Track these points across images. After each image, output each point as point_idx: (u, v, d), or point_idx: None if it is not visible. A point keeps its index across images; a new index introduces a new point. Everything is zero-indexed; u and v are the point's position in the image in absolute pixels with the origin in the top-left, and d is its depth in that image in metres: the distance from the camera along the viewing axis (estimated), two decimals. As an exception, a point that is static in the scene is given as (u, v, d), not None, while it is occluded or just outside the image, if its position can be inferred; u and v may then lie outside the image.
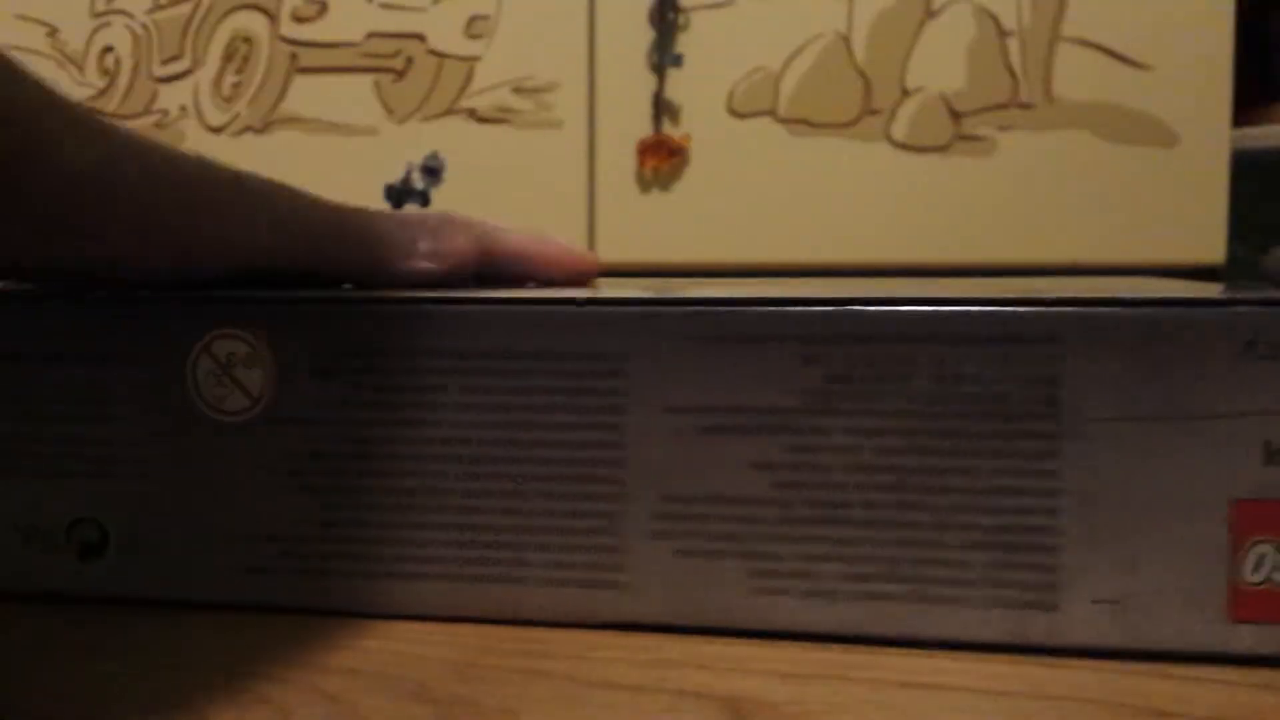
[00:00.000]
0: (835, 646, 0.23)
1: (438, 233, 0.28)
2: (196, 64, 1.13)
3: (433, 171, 1.10)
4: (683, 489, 0.24)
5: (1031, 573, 0.23)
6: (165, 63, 1.13)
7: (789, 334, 0.23)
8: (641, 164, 1.08)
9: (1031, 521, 0.22)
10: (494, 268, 0.30)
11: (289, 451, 0.25)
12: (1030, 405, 0.22)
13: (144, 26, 1.13)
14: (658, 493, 0.24)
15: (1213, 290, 0.27)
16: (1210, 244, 1.03)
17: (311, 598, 0.26)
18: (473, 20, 1.09)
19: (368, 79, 1.10)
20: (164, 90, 1.13)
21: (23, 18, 1.15)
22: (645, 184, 1.09)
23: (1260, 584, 0.22)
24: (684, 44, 1.08)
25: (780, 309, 0.23)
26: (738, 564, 0.24)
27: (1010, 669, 0.22)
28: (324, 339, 0.25)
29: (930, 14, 1.05)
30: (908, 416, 0.23)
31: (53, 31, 1.15)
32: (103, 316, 0.26)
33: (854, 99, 1.07)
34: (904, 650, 0.23)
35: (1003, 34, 1.04)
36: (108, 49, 1.14)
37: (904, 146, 1.07)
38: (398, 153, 1.10)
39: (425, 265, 0.28)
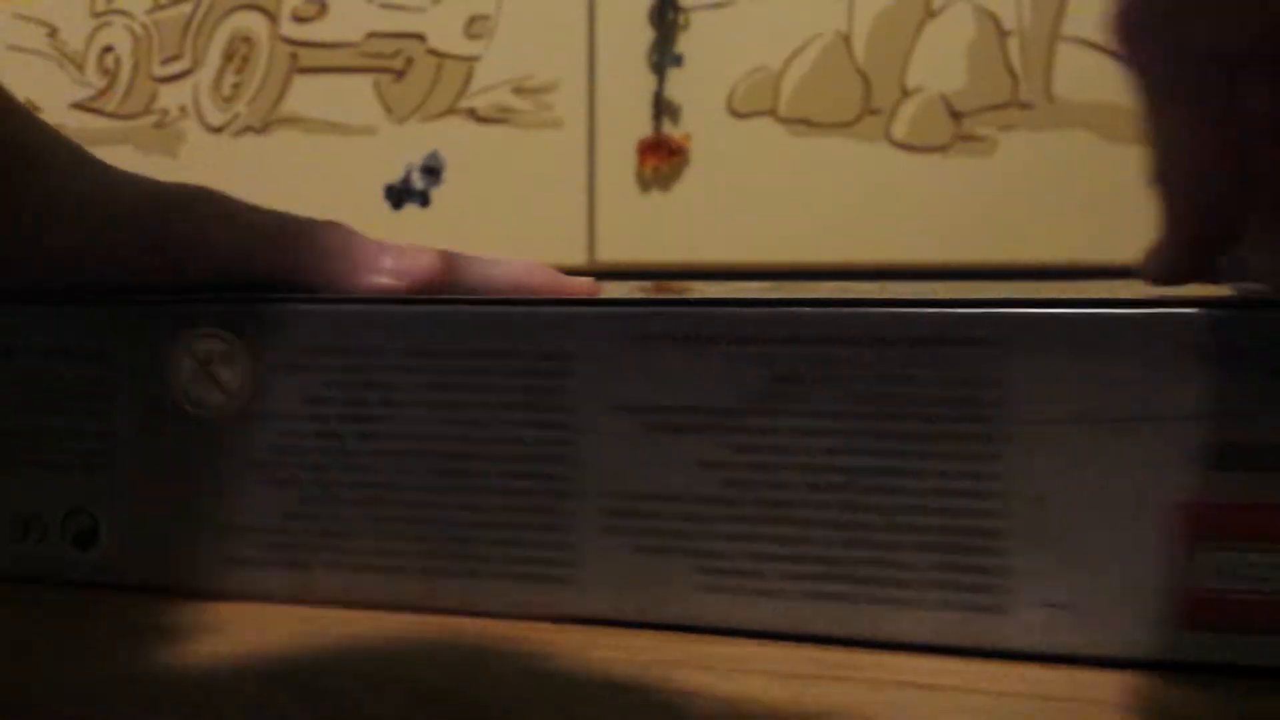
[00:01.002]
0: (836, 647, 0.23)
1: (404, 252, 0.29)
2: (196, 64, 1.13)
3: (433, 171, 1.10)
4: (633, 487, 0.24)
5: (978, 575, 0.22)
6: (165, 62, 1.13)
7: (736, 335, 0.23)
8: (641, 164, 1.08)
9: (977, 523, 0.22)
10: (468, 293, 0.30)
11: (262, 446, 0.26)
12: (973, 407, 0.22)
13: (144, 26, 1.13)
14: (609, 490, 0.24)
15: (1160, 292, 0.27)
16: (1211, 244, 1.03)
17: (285, 589, 0.27)
18: (472, 20, 1.09)
19: (368, 79, 1.10)
20: (164, 90, 1.13)
21: (23, 17, 1.15)
22: (645, 184, 1.09)
23: (1213, 590, 0.21)
24: (684, 44, 1.08)
25: (727, 310, 0.23)
26: (687, 562, 0.24)
27: (1008, 669, 0.22)
28: (296, 339, 0.26)
29: (930, 14, 1.06)
30: (853, 417, 0.23)
31: (53, 31, 1.15)
32: (95, 316, 0.28)
33: (854, 99, 1.07)
34: (904, 651, 0.23)
35: (1003, 34, 1.05)
36: (108, 49, 1.14)
37: (904, 146, 1.07)
38: (398, 153, 1.10)
39: (386, 281, 0.28)
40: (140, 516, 0.28)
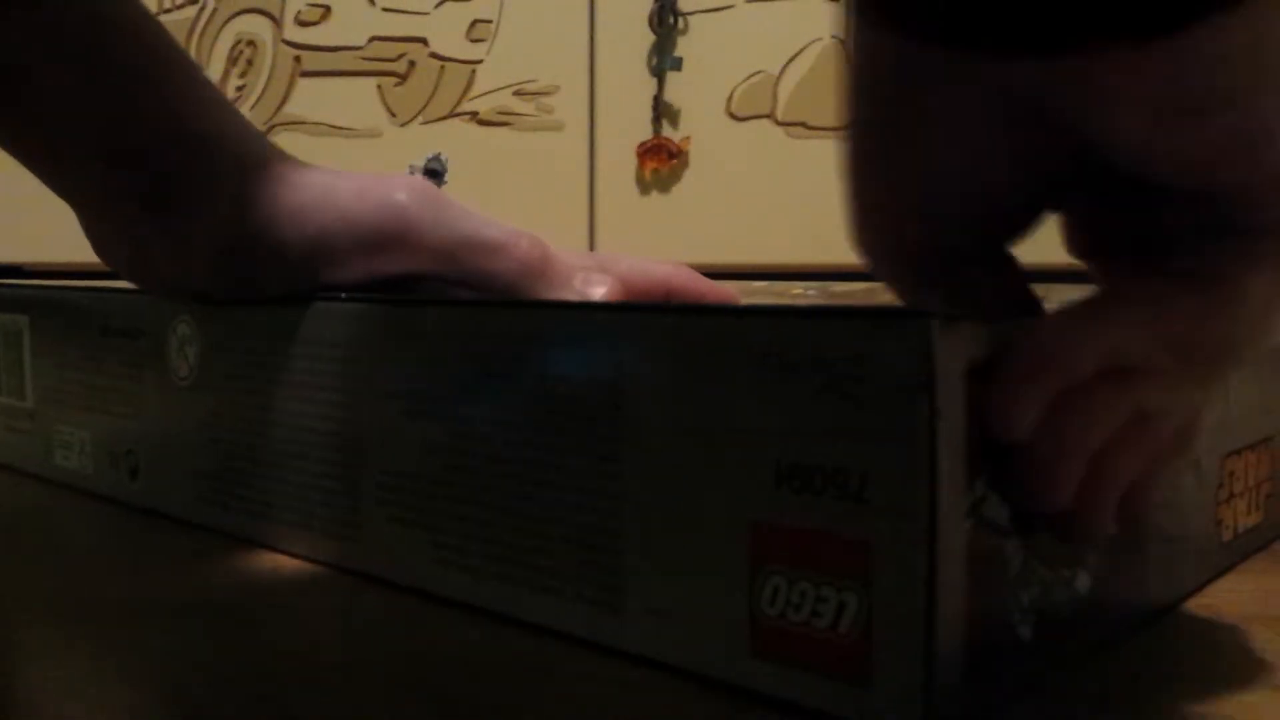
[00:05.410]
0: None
1: (589, 278, 0.33)
2: (202, 67, 1.13)
3: (435, 174, 1.11)
4: (392, 464, 0.27)
5: (603, 574, 0.23)
6: (170, 66, 1.14)
7: (450, 332, 0.26)
8: (641, 166, 1.09)
9: (603, 523, 0.23)
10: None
11: (208, 410, 0.33)
12: (602, 409, 0.22)
13: (149, 30, 1.14)
14: (380, 467, 0.27)
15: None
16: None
17: (221, 524, 0.33)
18: (474, 24, 1.10)
19: (371, 82, 1.11)
20: (169, 93, 1.14)
21: (29, 21, 1.15)
22: (645, 186, 1.10)
23: (777, 617, 0.20)
24: (683, 48, 1.08)
25: (444, 308, 0.26)
26: (423, 534, 0.27)
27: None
28: (227, 325, 0.32)
29: (927, 18, 1.06)
30: (523, 411, 0.24)
31: (59, 35, 1.15)
32: (133, 303, 0.35)
33: (851, 102, 1.07)
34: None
35: (999, 38, 1.05)
36: (113, 52, 1.15)
37: (901, 149, 1.07)
38: (400, 155, 1.11)
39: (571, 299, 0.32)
40: (156, 458, 0.35)
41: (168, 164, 0.31)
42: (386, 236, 0.30)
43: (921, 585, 0.18)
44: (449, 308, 0.26)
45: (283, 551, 0.31)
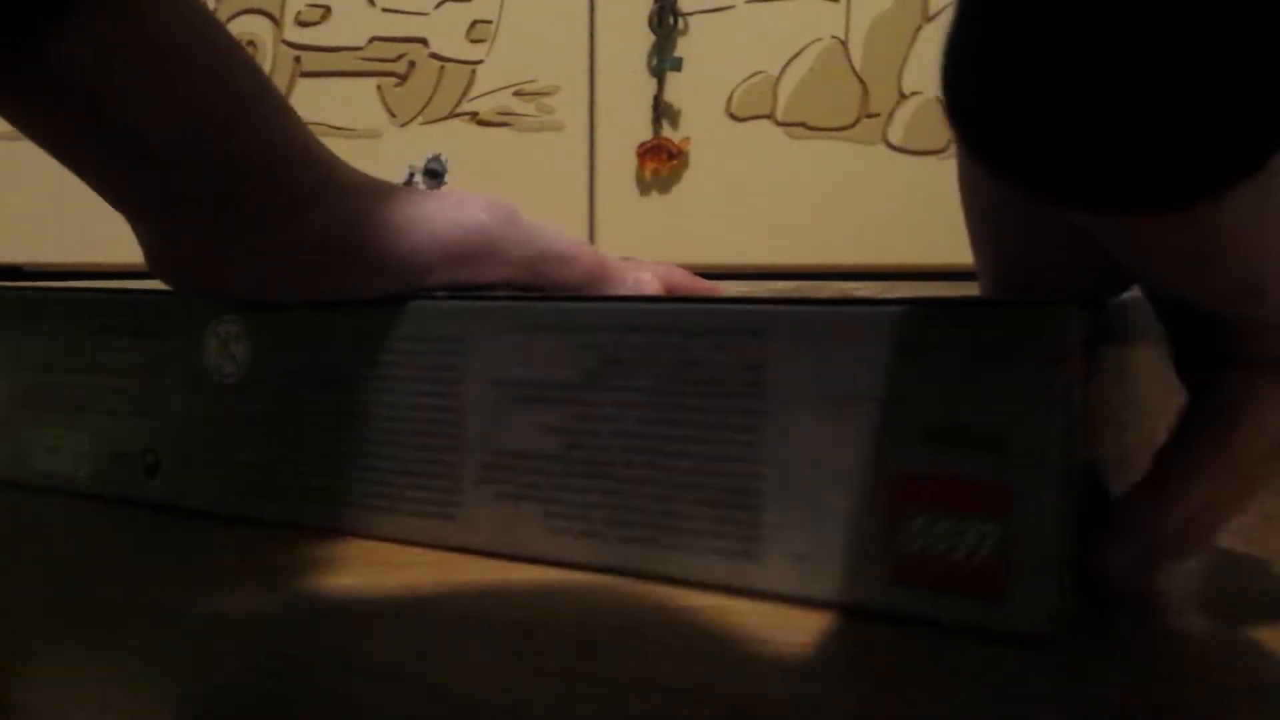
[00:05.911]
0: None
1: (640, 281, 0.36)
2: (201, 68, 1.14)
3: (435, 174, 1.11)
4: (501, 446, 0.30)
5: (742, 528, 0.27)
6: (170, 66, 1.14)
7: (574, 325, 0.29)
8: (641, 167, 1.09)
9: (742, 484, 0.27)
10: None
11: (260, 406, 0.34)
12: (742, 386, 0.27)
13: (149, 31, 1.14)
14: (485, 448, 0.30)
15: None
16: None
17: (275, 514, 0.34)
18: (474, 24, 1.10)
19: (371, 83, 1.11)
20: (169, 94, 1.14)
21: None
22: (645, 187, 1.10)
23: (915, 552, 0.25)
24: (683, 48, 1.09)
25: (570, 304, 0.29)
26: (536, 508, 0.30)
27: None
28: (287, 324, 0.33)
29: (927, 18, 1.06)
30: (656, 394, 0.28)
31: (58, 35, 1.15)
32: (156, 302, 0.36)
33: (851, 102, 1.08)
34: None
35: (999, 38, 1.05)
36: (113, 53, 1.15)
37: (901, 149, 1.08)
38: (401, 156, 1.11)
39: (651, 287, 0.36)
40: (184, 456, 0.36)
41: (252, 177, 0.31)
42: (470, 251, 0.33)
43: (1053, 518, 0.23)
44: (563, 302, 0.29)
45: (351, 534, 0.32)
